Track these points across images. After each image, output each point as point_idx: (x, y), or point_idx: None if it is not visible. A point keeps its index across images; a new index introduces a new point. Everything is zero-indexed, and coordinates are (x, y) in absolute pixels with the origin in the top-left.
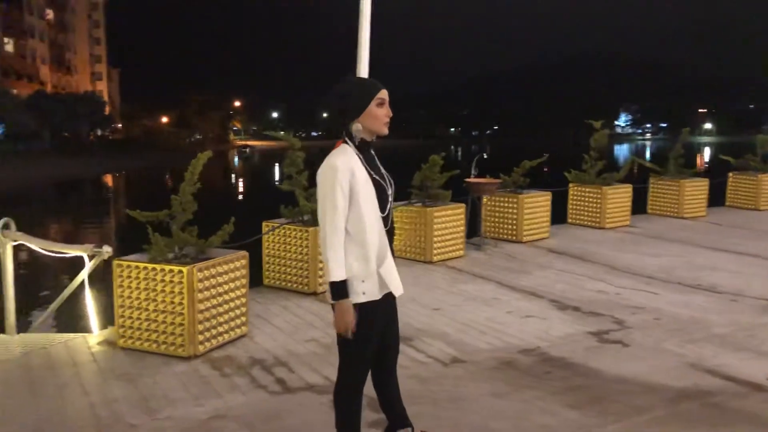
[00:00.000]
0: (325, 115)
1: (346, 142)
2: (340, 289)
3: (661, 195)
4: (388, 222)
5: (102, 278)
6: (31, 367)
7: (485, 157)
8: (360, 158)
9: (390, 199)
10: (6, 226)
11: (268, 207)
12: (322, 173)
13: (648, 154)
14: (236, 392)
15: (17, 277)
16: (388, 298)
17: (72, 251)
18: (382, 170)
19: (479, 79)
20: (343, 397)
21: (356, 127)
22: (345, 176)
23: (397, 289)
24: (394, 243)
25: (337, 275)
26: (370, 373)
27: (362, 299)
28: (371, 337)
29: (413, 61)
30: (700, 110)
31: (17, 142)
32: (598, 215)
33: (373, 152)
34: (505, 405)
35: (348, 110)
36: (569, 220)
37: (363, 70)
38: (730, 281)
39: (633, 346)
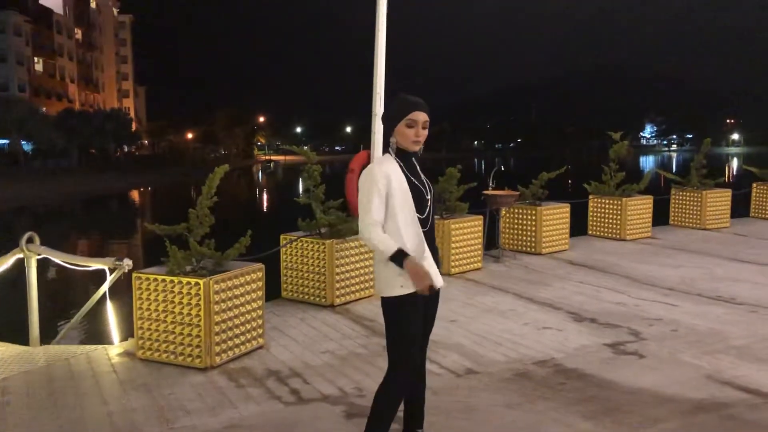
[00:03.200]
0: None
1: (389, 151)
2: (399, 257)
3: (683, 206)
4: (427, 223)
5: (127, 291)
6: (52, 377)
7: (502, 169)
8: (400, 166)
9: (429, 203)
10: (30, 241)
11: (289, 220)
12: (362, 179)
13: (674, 166)
14: (251, 403)
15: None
16: (428, 296)
17: (93, 264)
18: (423, 177)
19: (504, 92)
20: (392, 392)
21: (393, 139)
22: (382, 181)
23: (437, 282)
24: None
25: (390, 249)
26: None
27: (400, 292)
28: (411, 329)
29: (437, 74)
30: (727, 120)
31: (46, 159)
32: (618, 227)
33: (414, 161)
34: (518, 416)
35: (386, 124)
36: (589, 232)
37: (379, 84)
38: (750, 292)
39: (649, 357)
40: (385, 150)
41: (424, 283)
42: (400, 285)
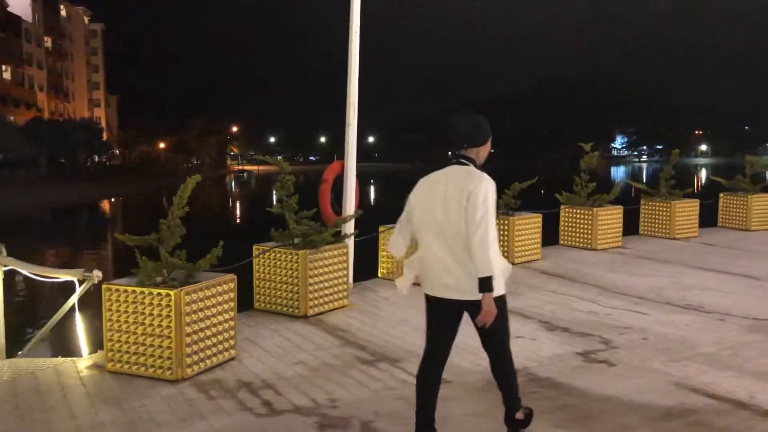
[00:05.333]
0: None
1: (464, 164)
2: (491, 284)
3: (653, 216)
4: None
5: (96, 302)
6: (18, 392)
7: None
8: None
9: None
10: None
11: (262, 230)
12: (486, 187)
13: (644, 177)
14: (222, 415)
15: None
16: None
17: (62, 276)
18: None
19: (477, 104)
20: (510, 373)
21: (480, 154)
22: None
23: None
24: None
25: (499, 269)
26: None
27: (503, 291)
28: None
29: (412, 85)
30: (696, 132)
31: (14, 169)
32: (589, 236)
33: None
34: (490, 425)
35: (479, 139)
36: (561, 242)
37: (353, 94)
38: (718, 301)
39: (619, 365)
40: (448, 165)
41: (494, 314)
42: (503, 284)
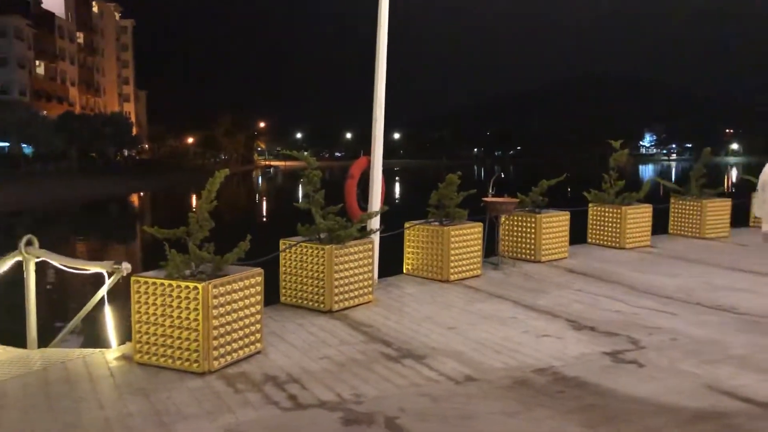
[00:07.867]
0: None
1: None
2: None
3: (682, 215)
4: None
5: (125, 294)
6: (49, 381)
7: (502, 176)
8: None
9: None
10: (29, 243)
11: (289, 225)
12: None
13: (673, 175)
14: (248, 408)
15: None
16: None
17: (92, 268)
18: None
19: (503, 100)
20: None
21: None
22: None
23: None
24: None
25: None
26: None
27: None
28: None
29: (438, 82)
30: (727, 130)
31: (46, 162)
32: (617, 235)
33: None
34: (516, 424)
35: None
36: (589, 240)
37: (380, 90)
38: (750, 302)
39: (648, 366)
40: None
41: None
42: None
